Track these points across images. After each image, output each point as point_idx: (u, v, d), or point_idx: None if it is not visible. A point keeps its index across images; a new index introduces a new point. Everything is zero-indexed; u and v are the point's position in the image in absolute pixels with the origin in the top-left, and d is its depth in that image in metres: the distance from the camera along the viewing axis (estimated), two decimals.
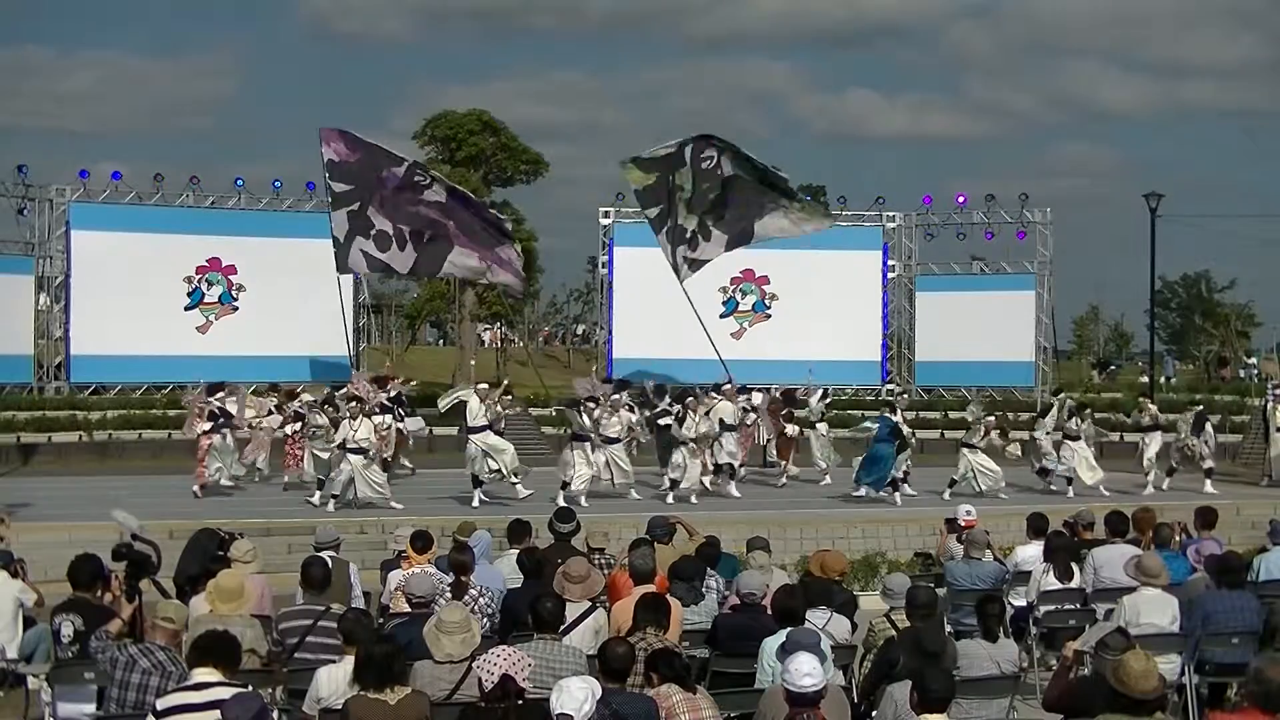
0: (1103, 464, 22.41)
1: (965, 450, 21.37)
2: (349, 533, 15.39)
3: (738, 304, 33.80)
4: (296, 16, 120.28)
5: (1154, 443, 22.52)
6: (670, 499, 20.08)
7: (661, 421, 21.57)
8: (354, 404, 19.89)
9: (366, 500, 19.45)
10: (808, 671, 6.29)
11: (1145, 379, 42.76)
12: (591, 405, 20.49)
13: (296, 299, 30.42)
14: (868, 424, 22.00)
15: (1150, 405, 23.53)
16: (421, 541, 10.36)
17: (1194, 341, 66.23)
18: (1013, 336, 32.67)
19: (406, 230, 25.89)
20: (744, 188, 25.84)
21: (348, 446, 19.25)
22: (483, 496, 19.65)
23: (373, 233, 25.90)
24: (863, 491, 20.44)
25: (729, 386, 22.71)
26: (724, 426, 21.40)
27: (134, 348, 30.01)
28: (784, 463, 23.78)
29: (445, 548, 10.83)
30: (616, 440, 20.53)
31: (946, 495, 20.62)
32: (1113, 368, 55.68)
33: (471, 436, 19.81)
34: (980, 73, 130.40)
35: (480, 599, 9.21)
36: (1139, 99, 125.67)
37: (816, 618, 8.45)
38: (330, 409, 21.38)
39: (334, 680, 7.12)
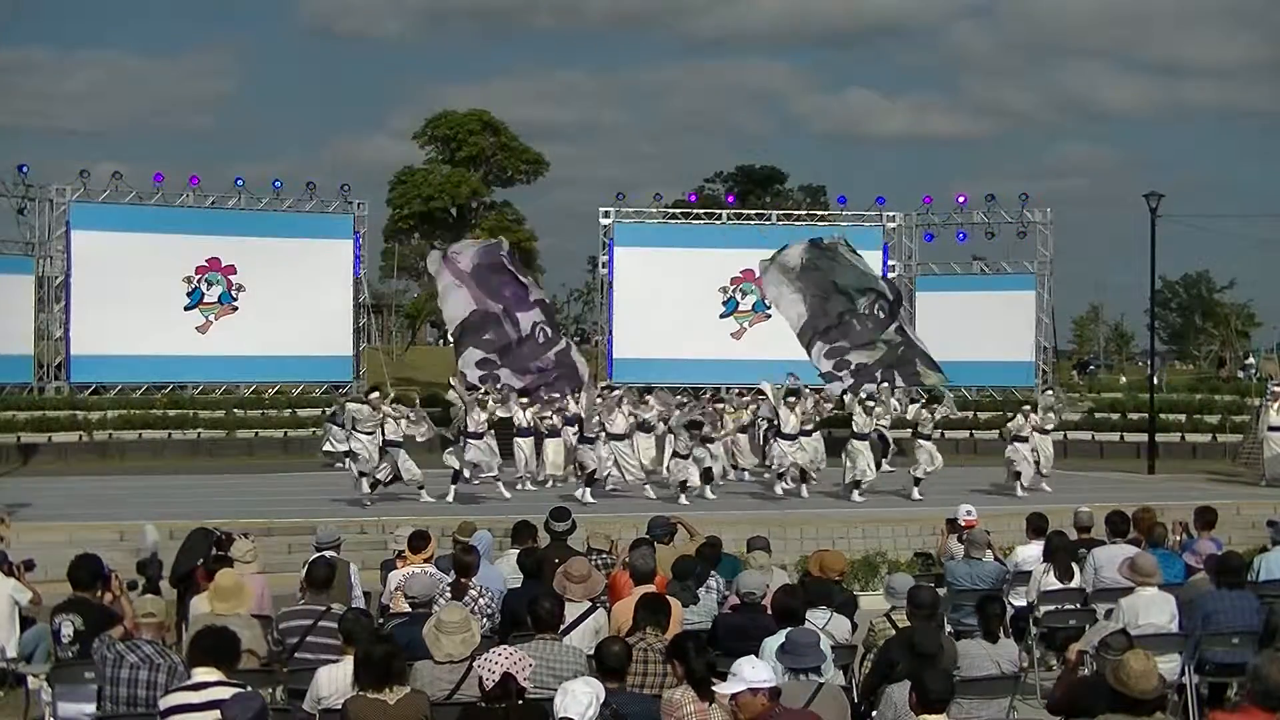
0: (1103, 463, 22.43)
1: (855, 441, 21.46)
2: (349, 533, 15.39)
3: (738, 304, 33.80)
4: (296, 16, 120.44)
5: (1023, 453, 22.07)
6: (683, 500, 20.13)
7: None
8: (375, 394, 20.90)
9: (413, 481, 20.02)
10: (763, 675, 6.22)
11: (1135, 377, 42.78)
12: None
13: (296, 299, 30.45)
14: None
15: (1033, 416, 22.82)
16: (419, 541, 10.35)
17: (1194, 341, 66.31)
18: (1013, 336, 32.67)
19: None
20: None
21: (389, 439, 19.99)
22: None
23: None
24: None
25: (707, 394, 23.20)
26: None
27: (134, 348, 30.01)
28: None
29: (445, 548, 10.83)
30: (623, 437, 20.89)
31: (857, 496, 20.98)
32: (1092, 368, 55.70)
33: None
34: (980, 73, 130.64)
35: (480, 599, 9.20)
36: (1139, 99, 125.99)
37: (816, 618, 8.44)
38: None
39: (334, 680, 7.12)
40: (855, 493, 21.00)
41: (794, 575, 11.06)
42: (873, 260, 34.29)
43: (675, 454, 20.73)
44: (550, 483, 22.30)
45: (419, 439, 20.44)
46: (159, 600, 8.11)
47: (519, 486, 21.56)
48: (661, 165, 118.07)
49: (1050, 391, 25.53)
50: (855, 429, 21.49)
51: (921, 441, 21.53)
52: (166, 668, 7.25)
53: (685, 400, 23.74)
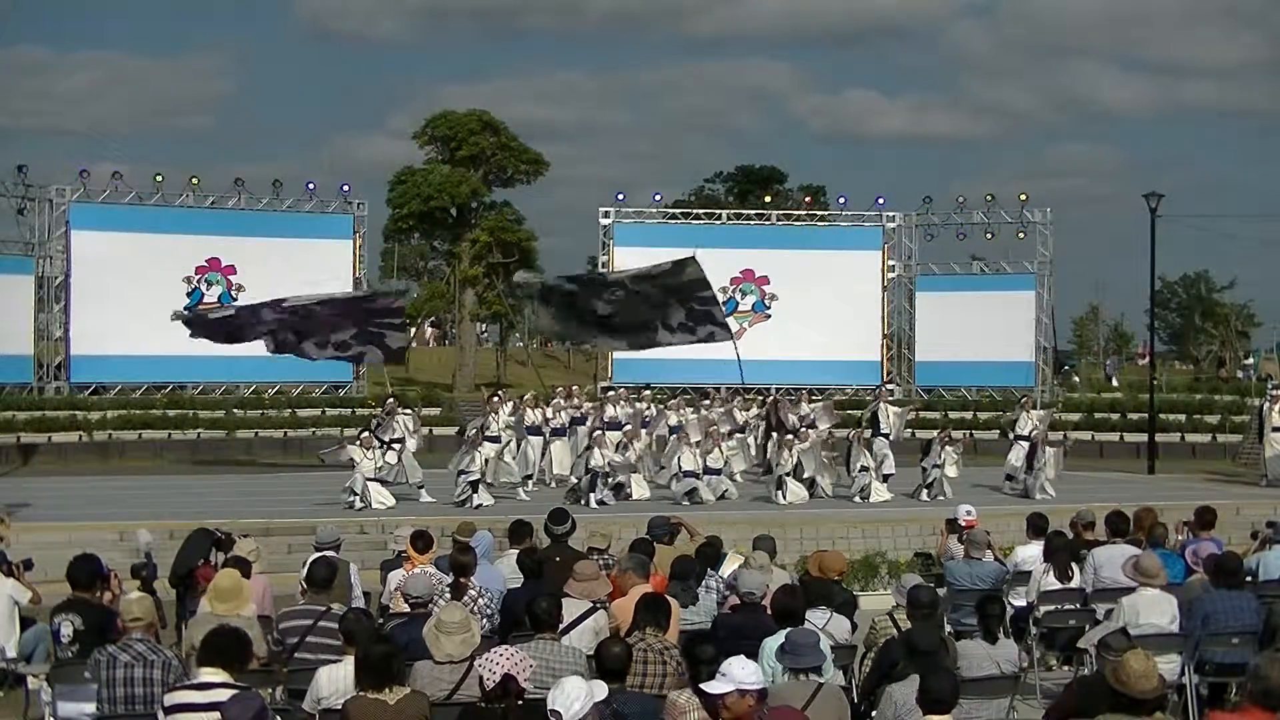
0: (1103, 463, 22.42)
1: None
2: (349, 533, 15.40)
3: (738, 304, 33.79)
4: (296, 16, 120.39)
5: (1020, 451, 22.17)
6: (683, 500, 20.05)
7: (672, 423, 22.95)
8: (392, 399, 22.35)
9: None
10: (752, 676, 6.20)
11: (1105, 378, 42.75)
12: None
13: None
14: None
15: (1034, 412, 23.14)
16: (423, 541, 10.36)
17: (1194, 341, 66.25)
18: (1013, 336, 32.69)
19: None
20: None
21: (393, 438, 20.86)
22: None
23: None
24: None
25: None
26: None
27: (134, 348, 30.01)
28: None
29: (446, 548, 10.83)
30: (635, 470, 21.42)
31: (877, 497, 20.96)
32: (1066, 368, 55.66)
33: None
34: (980, 73, 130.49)
35: (479, 599, 9.20)
36: (1139, 99, 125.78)
37: (816, 618, 8.44)
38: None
39: (334, 680, 7.12)
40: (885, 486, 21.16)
41: (794, 575, 11.05)
42: (873, 260, 34.51)
43: (683, 471, 20.73)
44: (554, 484, 22.29)
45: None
46: (145, 600, 8.09)
47: (528, 486, 21.49)
48: (661, 165, 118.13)
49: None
50: (881, 429, 22.51)
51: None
52: (161, 663, 7.26)
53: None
